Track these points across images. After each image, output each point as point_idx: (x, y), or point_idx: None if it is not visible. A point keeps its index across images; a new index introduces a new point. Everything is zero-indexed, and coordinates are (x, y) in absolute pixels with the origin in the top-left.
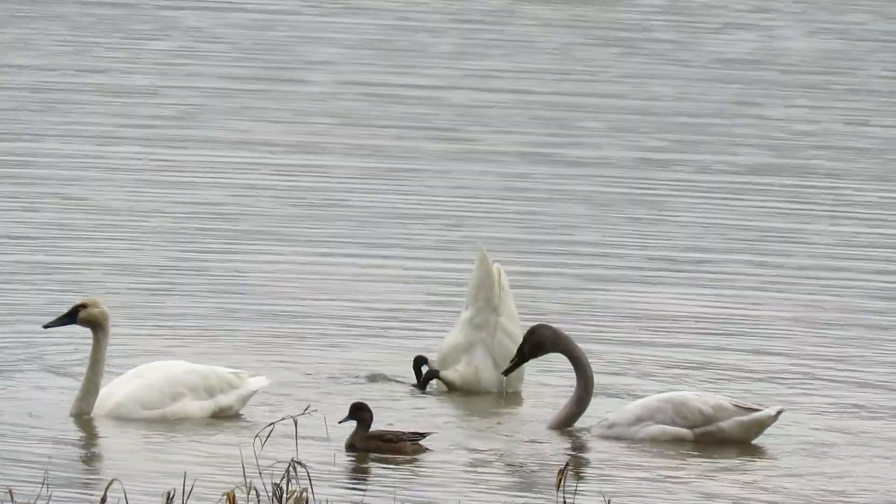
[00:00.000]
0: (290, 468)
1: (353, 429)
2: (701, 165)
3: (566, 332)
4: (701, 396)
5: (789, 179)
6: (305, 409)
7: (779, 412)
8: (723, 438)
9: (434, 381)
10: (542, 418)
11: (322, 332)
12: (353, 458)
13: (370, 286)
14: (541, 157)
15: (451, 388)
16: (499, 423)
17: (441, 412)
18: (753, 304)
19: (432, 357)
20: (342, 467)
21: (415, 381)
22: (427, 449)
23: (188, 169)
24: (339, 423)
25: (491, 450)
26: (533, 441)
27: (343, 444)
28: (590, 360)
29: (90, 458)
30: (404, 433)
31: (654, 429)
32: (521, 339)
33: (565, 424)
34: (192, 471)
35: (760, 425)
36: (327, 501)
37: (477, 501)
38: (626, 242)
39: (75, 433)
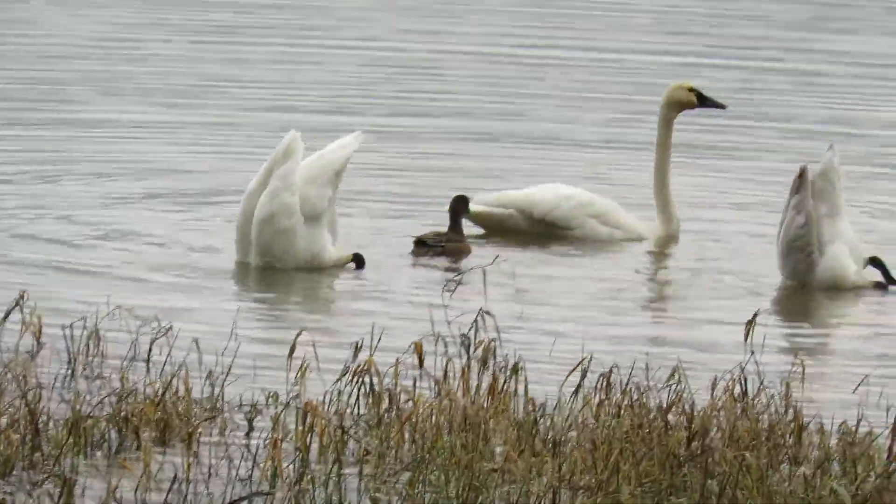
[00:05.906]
0: (479, 318)
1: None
2: None
3: None
4: None
5: None
6: (494, 260)
7: None
8: None
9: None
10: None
11: None
12: (541, 308)
13: None
14: None
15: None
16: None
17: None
18: None
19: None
20: (530, 317)
21: None
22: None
23: None
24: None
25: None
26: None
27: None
28: None
29: (274, 311)
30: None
31: None
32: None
33: None
34: (380, 322)
35: None
36: (515, 352)
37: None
38: None
39: (256, 286)
